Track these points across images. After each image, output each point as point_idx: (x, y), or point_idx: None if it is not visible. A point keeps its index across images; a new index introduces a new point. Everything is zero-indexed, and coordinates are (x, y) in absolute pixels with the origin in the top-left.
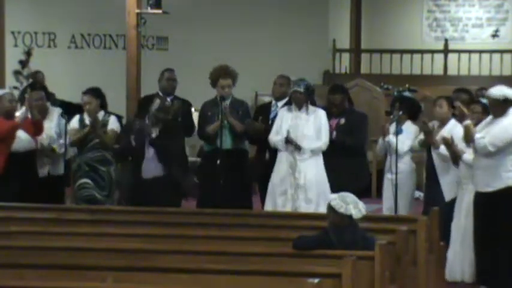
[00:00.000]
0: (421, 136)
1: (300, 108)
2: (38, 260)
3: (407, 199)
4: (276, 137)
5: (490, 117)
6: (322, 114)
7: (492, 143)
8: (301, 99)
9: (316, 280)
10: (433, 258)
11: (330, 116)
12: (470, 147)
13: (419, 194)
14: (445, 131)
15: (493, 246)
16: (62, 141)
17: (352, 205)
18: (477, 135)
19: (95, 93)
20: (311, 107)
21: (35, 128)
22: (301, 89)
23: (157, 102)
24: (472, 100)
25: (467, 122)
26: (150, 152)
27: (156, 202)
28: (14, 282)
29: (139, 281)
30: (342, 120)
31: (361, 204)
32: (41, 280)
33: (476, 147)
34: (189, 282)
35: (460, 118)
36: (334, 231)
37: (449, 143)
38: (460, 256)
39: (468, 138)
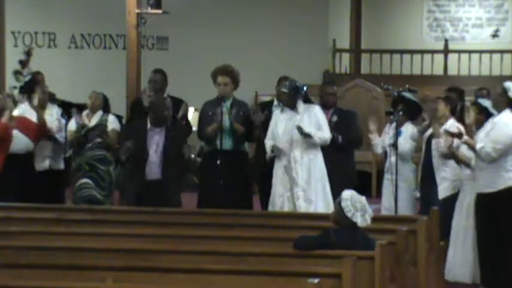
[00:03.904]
0: (424, 123)
1: (290, 108)
2: (38, 260)
3: (408, 200)
4: (268, 141)
5: (491, 119)
6: (317, 109)
7: (493, 149)
8: (286, 99)
9: (316, 280)
10: (433, 258)
11: (323, 110)
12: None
13: (418, 195)
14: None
15: (494, 247)
16: (62, 134)
17: (360, 212)
18: (477, 146)
19: (103, 95)
20: (303, 105)
21: (38, 130)
22: (286, 90)
23: (158, 102)
24: (461, 99)
25: (464, 138)
26: (154, 155)
27: (159, 203)
28: (14, 282)
29: (139, 281)
30: (334, 118)
31: (368, 213)
32: (40, 280)
33: (480, 157)
34: (189, 282)
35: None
36: (335, 231)
37: (454, 153)
38: (461, 257)
39: (472, 150)
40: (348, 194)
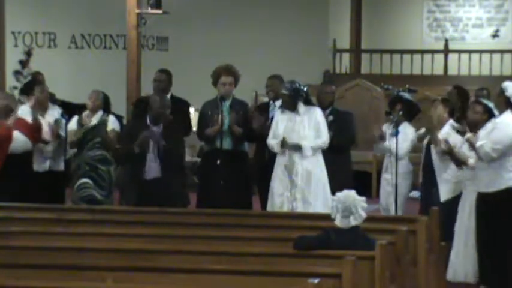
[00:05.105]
0: (421, 130)
1: (290, 110)
2: (38, 260)
3: (401, 199)
4: (272, 140)
5: (492, 119)
6: (317, 112)
7: (493, 149)
8: (287, 101)
9: (316, 280)
10: (433, 258)
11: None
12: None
13: (418, 194)
14: (443, 133)
15: (494, 247)
16: (63, 133)
17: (341, 214)
18: (478, 144)
19: (103, 95)
20: (305, 107)
21: (34, 131)
22: (286, 92)
23: (156, 100)
24: (464, 98)
25: (467, 135)
26: (151, 154)
27: (158, 203)
28: (14, 282)
29: (139, 281)
30: (330, 118)
31: (356, 214)
32: (40, 280)
33: (480, 155)
34: (189, 282)
35: (461, 134)
36: (335, 231)
37: (451, 151)
38: (463, 257)
39: (473, 149)
40: (338, 195)
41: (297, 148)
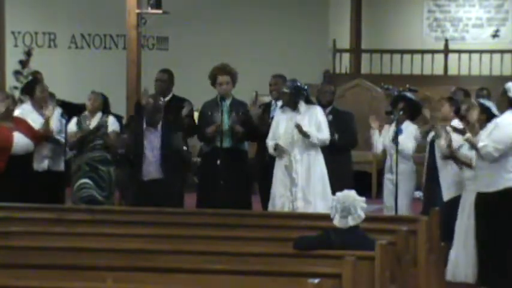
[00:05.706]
0: (426, 126)
1: (291, 108)
2: (38, 260)
3: (407, 199)
4: (270, 141)
5: (494, 119)
6: (318, 110)
7: (495, 148)
8: (287, 99)
9: (316, 280)
10: (433, 258)
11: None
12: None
13: (420, 194)
14: (448, 130)
15: (494, 247)
16: (63, 134)
17: (340, 214)
18: (479, 145)
19: (103, 96)
20: (305, 106)
21: (36, 133)
22: (287, 90)
23: (149, 102)
24: (467, 96)
25: (467, 135)
26: (150, 155)
27: (156, 204)
28: (14, 282)
29: (139, 281)
30: (330, 117)
31: (355, 215)
32: (41, 280)
33: (481, 156)
34: (189, 282)
35: (461, 132)
36: (335, 231)
37: (455, 155)
38: (463, 257)
39: (473, 148)
40: (338, 195)
41: (306, 135)
